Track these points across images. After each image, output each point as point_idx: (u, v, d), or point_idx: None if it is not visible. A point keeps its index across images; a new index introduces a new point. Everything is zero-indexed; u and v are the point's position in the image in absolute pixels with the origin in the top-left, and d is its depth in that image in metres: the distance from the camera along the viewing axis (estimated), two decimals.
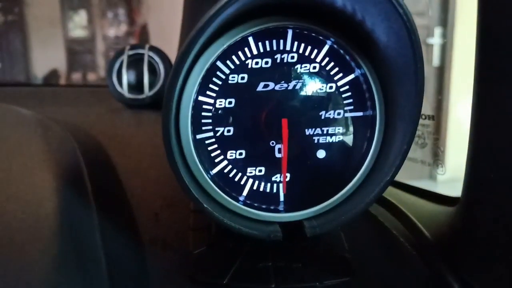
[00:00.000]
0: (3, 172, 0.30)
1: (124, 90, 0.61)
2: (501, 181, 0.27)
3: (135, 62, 0.62)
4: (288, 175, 0.28)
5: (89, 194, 0.30)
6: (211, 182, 0.27)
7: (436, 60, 0.40)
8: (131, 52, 0.62)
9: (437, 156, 0.43)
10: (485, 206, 0.29)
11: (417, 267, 0.32)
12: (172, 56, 0.66)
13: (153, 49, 0.63)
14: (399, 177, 0.43)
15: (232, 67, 0.26)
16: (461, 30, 0.38)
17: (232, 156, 0.27)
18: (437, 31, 0.39)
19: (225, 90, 0.26)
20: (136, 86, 0.62)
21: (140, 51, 0.62)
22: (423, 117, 0.42)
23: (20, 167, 0.31)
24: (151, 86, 0.62)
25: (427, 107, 0.42)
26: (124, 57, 0.61)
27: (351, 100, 0.28)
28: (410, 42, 0.24)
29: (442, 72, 0.39)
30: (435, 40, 0.39)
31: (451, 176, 0.41)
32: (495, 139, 0.28)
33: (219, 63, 0.25)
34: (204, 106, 0.26)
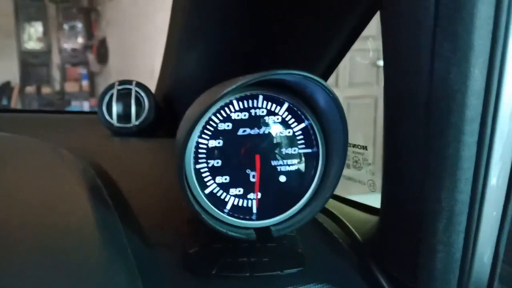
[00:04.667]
0: (43, 192, 0.36)
1: (114, 120, 0.68)
2: (405, 197, 0.34)
3: (123, 96, 0.69)
4: (259, 194, 0.36)
5: (111, 208, 0.37)
6: (205, 199, 0.34)
7: None
8: (120, 87, 0.69)
9: (370, 177, 0.54)
10: (395, 216, 0.36)
11: (351, 261, 0.39)
12: (134, 71, 0.73)
13: (139, 85, 0.70)
14: (344, 192, 0.53)
15: (221, 118, 0.34)
16: None
17: (219, 180, 0.35)
18: None
19: (216, 134, 0.34)
20: (124, 116, 0.69)
21: (128, 86, 0.69)
22: (359, 147, 0.54)
23: (54, 188, 0.37)
24: (137, 116, 0.69)
25: (360, 139, 0.53)
26: (114, 91, 0.68)
27: (303, 141, 0.36)
28: (336, 108, 0.32)
29: None
30: None
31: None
32: (399, 167, 0.35)
33: (212, 116, 0.34)
34: (201, 145, 0.34)
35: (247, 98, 0.35)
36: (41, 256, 0.28)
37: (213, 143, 0.35)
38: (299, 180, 0.37)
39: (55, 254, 0.28)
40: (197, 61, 0.65)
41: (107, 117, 0.68)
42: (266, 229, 0.36)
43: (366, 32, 0.50)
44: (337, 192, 0.52)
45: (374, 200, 0.44)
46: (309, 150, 0.37)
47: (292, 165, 0.36)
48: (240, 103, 0.35)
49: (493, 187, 0.32)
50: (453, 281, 0.34)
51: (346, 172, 0.53)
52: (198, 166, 0.35)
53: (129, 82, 0.69)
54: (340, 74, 2.13)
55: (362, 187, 0.54)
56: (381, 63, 0.40)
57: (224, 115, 0.35)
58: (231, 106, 0.35)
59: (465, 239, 0.33)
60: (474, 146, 0.30)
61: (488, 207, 0.32)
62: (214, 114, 0.35)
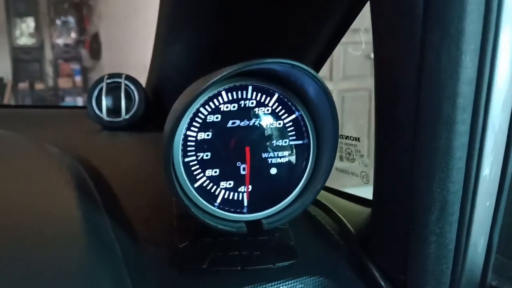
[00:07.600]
0: (27, 188, 0.36)
1: (103, 114, 0.67)
2: (397, 189, 0.34)
3: (113, 89, 0.68)
4: (250, 187, 0.35)
5: (98, 202, 0.36)
6: (194, 193, 0.34)
7: None
8: (109, 81, 0.68)
9: (363, 169, 0.54)
10: (387, 208, 0.36)
11: (343, 253, 0.39)
12: (127, 66, 0.72)
13: (129, 78, 0.69)
14: (338, 184, 0.53)
15: (210, 110, 0.34)
16: None
17: (209, 173, 0.34)
18: None
19: (205, 126, 0.34)
20: (113, 110, 0.68)
21: (118, 79, 0.68)
22: (351, 138, 0.53)
23: (39, 183, 0.36)
24: (127, 110, 0.68)
25: (353, 131, 0.52)
26: (103, 85, 0.67)
27: (293, 133, 0.36)
28: (327, 99, 0.32)
29: None
30: None
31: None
32: (390, 159, 0.35)
33: (201, 108, 0.33)
34: (189, 138, 0.33)
35: (236, 89, 0.34)
36: (24, 252, 0.27)
37: (202, 135, 0.34)
38: (290, 172, 0.36)
39: (38, 250, 0.28)
40: (182, 54, 0.64)
41: (97, 111, 0.67)
42: (257, 222, 0.35)
43: (363, 24, 0.49)
44: (330, 184, 0.52)
45: (369, 193, 0.43)
46: (299, 142, 0.36)
47: (283, 157, 0.36)
48: (229, 94, 0.34)
49: (486, 176, 0.32)
50: (446, 273, 0.33)
51: (339, 164, 0.53)
52: (187, 159, 0.34)
53: (119, 75, 0.68)
54: (334, 67, 2.13)
55: (356, 179, 0.53)
56: None
57: (213, 106, 0.34)
58: (219, 98, 0.34)
59: (458, 230, 0.33)
60: (466, 135, 0.30)
61: (481, 197, 0.32)
62: (203, 106, 0.34)
